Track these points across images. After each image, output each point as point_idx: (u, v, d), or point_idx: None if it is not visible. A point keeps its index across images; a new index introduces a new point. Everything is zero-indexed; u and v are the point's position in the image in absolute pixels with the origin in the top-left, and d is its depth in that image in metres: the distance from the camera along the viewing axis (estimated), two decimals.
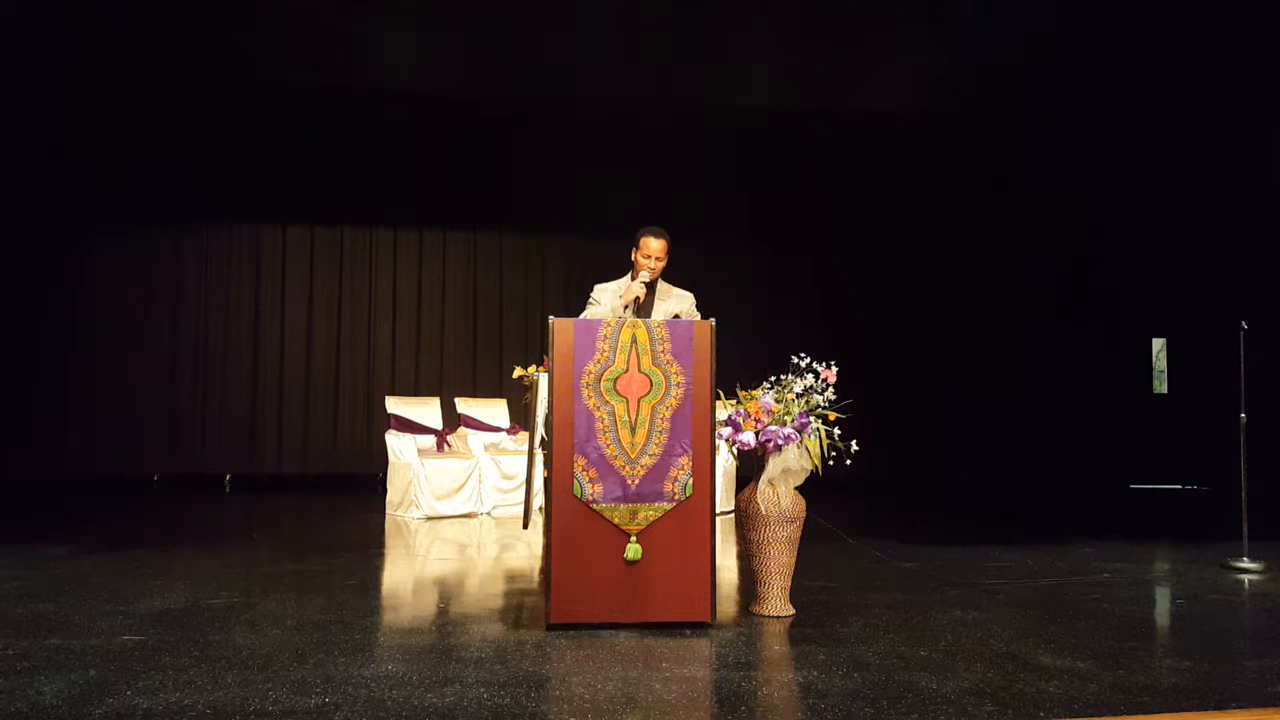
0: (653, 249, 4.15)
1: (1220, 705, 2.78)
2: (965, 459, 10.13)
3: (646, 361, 3.63)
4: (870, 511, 7.87)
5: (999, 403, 10.23)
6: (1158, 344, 10.60)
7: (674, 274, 4.34)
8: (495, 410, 8.02)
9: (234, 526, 6.88)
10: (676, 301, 4.26)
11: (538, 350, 9.54)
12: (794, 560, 3.90)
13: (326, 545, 5.74)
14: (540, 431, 4.74)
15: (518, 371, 7.03)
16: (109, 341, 9.36)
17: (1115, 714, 2.69)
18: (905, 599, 4.23)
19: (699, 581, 3.58)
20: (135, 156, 9.23)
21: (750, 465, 3.98)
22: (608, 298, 4.22)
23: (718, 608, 3.70)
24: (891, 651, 3.33)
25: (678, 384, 3.63)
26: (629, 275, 4.26)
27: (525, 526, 5.87)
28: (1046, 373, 10.23)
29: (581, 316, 4.10)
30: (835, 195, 10.12)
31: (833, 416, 3.84)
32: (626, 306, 4.11)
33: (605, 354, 3.62)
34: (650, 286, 4.22)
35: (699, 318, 4.17)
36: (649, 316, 4.16)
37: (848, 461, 3.82)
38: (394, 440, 7.29)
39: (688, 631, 3.57)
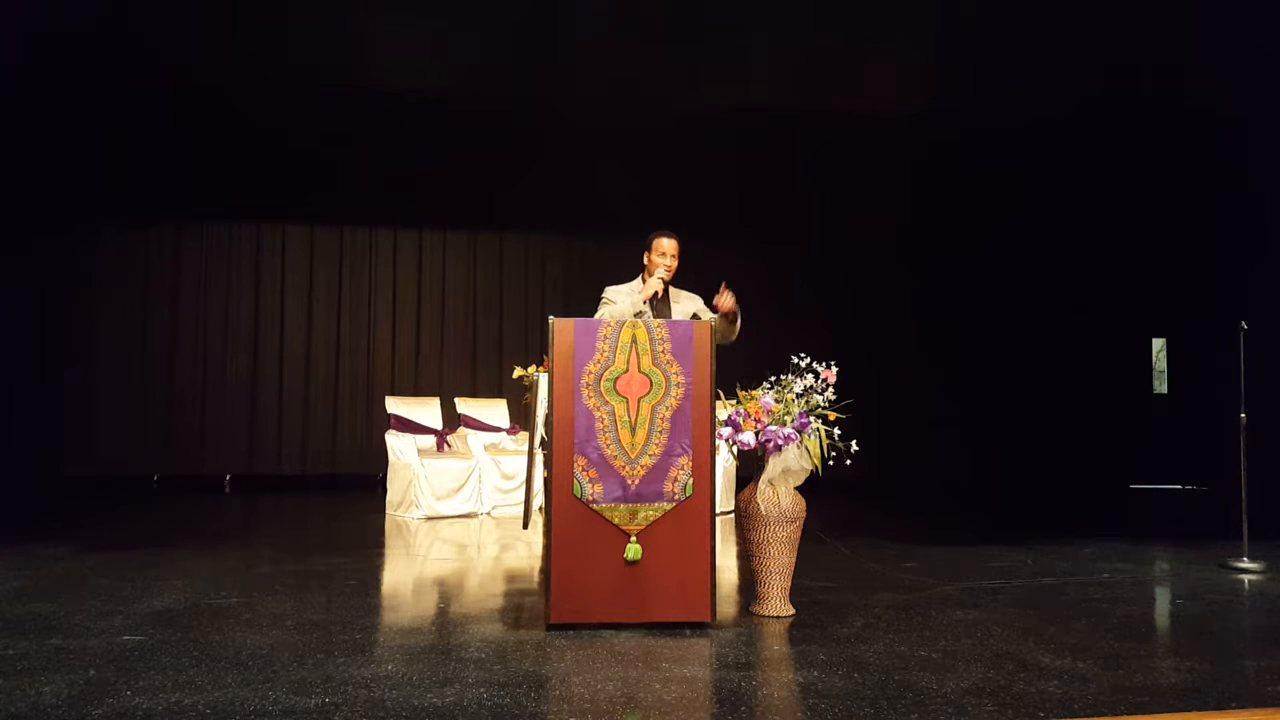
0: (666, 248, 4.19)
1: (1220, 705, 2.78)
2: (965, 458, 10.13)
3: (646, 361, 3.62)
4: (870, 511, 7.87)
5: (999, 402, 10.23)
6: (1158, 344, 10.60)
7: (677, 273, 4.35)
8: (495, 410, 8.02)
9: (234, 527, 6.87)
10: (690, 302, 4.32)
11: (538, 350, 9.53)
12: (794, 560, 3.90)
13: (326, 545, 5.74)
14: (540, 431, 4.74)
15: (518, 371, 7.05)
16: (109, 341, 9.37)
17: (1115, 714, 2.69)
18: (905, 599, 4.23)
19: (699, 581, 3.58)
20: (135, 157, 9.23)
21: (750, 465, 3.98)
22: (623, 296, 4.21)
23: (718, 608, 3.70)
24: (891, 651, 3.33)
25: (678, 384, 3.63)
26: (639, 278, 4.27)
27: (525, 526, 5.88)
28: (1047, 373, 10.23)
29: (598, 315, 4.10)
30: (835, 195, 10.12)
31: (833, 416, 3.84)
32: (646, 301, 4.14)
33: (605, 354, 3.61)
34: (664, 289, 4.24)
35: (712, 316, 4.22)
36: (670, 318, 4.18)
37: (848, 461, 3.83)
38: (394, 440, 7.29)
39: (688, 631, 3.57)
